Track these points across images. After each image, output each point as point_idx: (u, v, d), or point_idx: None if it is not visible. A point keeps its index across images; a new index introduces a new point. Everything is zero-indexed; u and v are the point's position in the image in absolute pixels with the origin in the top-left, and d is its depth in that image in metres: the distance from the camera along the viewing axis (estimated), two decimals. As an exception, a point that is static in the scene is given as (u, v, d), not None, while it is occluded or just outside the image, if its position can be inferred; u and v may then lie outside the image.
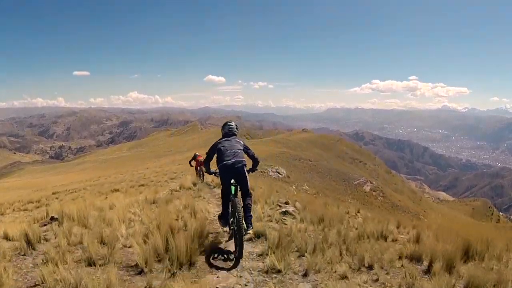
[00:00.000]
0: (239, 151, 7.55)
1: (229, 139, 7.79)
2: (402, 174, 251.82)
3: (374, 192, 63.55)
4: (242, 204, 7.21)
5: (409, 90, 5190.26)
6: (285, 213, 10.93)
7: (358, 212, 14.79)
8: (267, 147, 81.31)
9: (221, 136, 8.00)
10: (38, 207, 22.40)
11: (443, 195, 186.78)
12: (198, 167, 22.60)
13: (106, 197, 19.10)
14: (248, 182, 7.58)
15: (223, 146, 7.58)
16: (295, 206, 11.99)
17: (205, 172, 8.29)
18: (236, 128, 8.09)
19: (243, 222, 6.83)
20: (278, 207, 11.69)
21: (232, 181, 7.39)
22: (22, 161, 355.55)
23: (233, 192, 7.33)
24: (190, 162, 23.30)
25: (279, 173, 44.82)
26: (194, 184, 18.95)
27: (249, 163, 7.90)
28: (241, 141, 7.81)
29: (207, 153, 7.89)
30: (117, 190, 23.73)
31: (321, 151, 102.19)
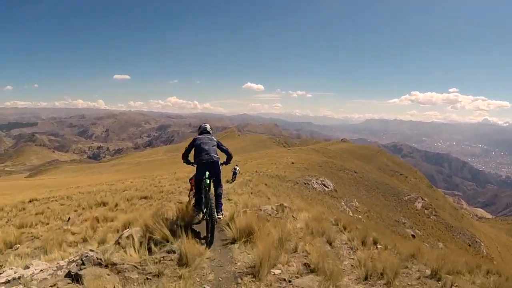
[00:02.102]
0: (213, 147, 8.46)
1: (204, 136, 8.77)
2: (440, 188, 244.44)
3: (426, 210, 58.77)
4: (214, 194, 8.23)
5: (449, 102, 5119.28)
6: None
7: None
8: (307, 155, 77.70)
9: (198, 135, 9.02)
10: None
11: (481, 212, 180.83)
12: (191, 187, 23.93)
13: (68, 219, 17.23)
14: (221, 174, 8.52)
15: (200, 143, 8.49)
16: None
17: (184, 162, 9.11)
18: (210, 128, 9.23)
19: (215, 210, 7.71)
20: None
21: (207, 174, 8.14)
22: (60, 160, 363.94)
23: (207, 184, 8.07)
24: (189, 180, 24.14)
25: (325, 185, 40.02)
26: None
27: (223, 157, 8.91)
28: (214, 139, 8.71)
29: (185, 148, 8.78)
30: (104, 204, 21.83)
31: (362, 162, 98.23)
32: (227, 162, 9.06)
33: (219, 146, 8.66)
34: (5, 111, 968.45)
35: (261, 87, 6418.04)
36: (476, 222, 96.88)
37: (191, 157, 8.92)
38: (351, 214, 32.00)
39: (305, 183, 37.95)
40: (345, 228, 9.74)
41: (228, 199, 19.58)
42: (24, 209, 22.65)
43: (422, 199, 62.48)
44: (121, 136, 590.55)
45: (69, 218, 16.66)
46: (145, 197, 22.84)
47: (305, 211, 11.33)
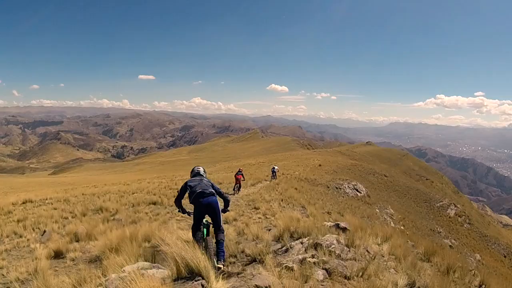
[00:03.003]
0: (211, 190, 7.57)
1: (199, 178, 7.92)
2: (464, 194, 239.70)
3: (459, 218, 56.42)
4: (214, 240, 7.29)
5: (474, 106, 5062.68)
6: None
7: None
8: (334, 157, 76.15)
9: (193, 175, 8.18)
10: None
11: (505, 219, 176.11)
12: (236, 181, 26.28)
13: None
14: (221, 219, 7.63)
15: (195, 185, 7.62)
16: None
17: (179, 210, 8.14)
18: (204, 171, 8.28)
19: (215, 259, 6.85)
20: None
21: (205, 220, 7.56)
22: (84, 158, 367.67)
23: (205, 232, 7.43)
24: (234, 175, 27.05)
25: (357, 190, 38.05)
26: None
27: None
28: (210, 181, 7.90)
29: (178, 191, 7.95)
30: (102, 211, 18.07)
31: (388, 166, 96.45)
32: (225, 210, 8.14)
33: (214, 188, 7.74)
34: (32, 109, 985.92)
35: (285, 88, 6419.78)
36: (503, 229, 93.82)
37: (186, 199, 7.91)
38: (393, 225, 30.22)
39: (336, 188, 36.13)
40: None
41: (255, 208, 18.58)
42: (10, 212, 18.65)
43: (455, 206, 60.03)
44: (145, 135, 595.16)
45: (44, 231, 13.48)
46: (154, 203, 20.13)
47: (374, 236, 9.28)
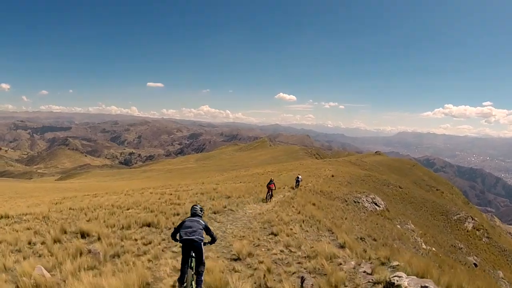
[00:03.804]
0: (199, 230, 9.05)
1: (193, 219, 9.41)
2: (473, 205, 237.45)
3: (477, 232, 54.55)
4: (194, 272, 8.74)
5: (483, 116, 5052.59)
6: None
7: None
8: (345, 168, 74.64)
9: (190, 215, 9.75)
10: None
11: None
12: (268, 190, 27.85)
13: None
14: (203, 254, 9.02)
15: (187, 225, 9.15)
16: None
17: (172, 240, 9.87)
18: (200, 210, 9.82)
19: (193, 286, 8.58)
20: None
21: (192, 255, 8.77)
22: (91, 164, 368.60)
23: (191, 264, 8.68)
24: (267, 185, 28.56)
25: (376, 204, 36.16)
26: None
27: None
28: (203, 222, 9.35)
29: (175, 228, 9.45)
30: (83, 236, 14.09)
31: (398, 176, 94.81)
32: (211, 242, 9.75)
33: (206, 230, 9.32)
34: (40, 114, 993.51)
35: (293, 97, 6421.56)
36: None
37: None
38: (424, 246, 28.58)
39: (355, 202, 34.36)
40: None
41: (273, 233, 15.59)
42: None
43: (473, 219, 58.04)
44: (153, 143, 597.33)
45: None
46: (149, 225, 16.33)
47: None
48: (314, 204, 25.36)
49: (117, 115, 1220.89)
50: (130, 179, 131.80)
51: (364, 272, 9.65)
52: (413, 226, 36.39)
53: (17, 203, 23.07)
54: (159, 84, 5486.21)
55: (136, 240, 13.78)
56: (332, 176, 54.67)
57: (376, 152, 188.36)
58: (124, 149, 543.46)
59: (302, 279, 9.44)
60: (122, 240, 13.64)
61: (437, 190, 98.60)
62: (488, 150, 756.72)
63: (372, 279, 8.85)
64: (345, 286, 8.85)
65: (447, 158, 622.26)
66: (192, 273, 8.65)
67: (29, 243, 12.85)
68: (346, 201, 33.61)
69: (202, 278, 9.00)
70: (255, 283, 9.43)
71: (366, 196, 37.51)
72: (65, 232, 14.38)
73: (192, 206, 9.87)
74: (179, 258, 9.92)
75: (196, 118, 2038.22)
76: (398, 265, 9.82)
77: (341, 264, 10.56)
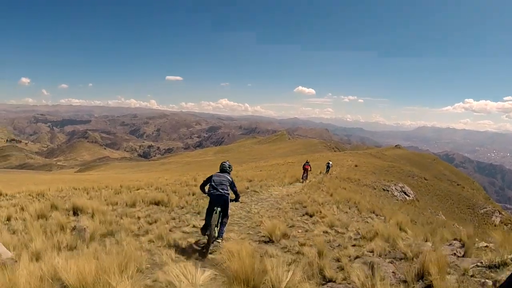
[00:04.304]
0: (226, 185, 9.54)
1: (221, 174, 9.85)
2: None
3: (505, 226, 53.37)
4: (219, 220, 9.46)
5: (503, 111, 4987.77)
6: None
7: None
8: (367, 159, 73.75)
9: (219, 171, 10.07)
10: None
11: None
12: (304, 171, 29.92)
13: None
14: (229, 208, 9.77)
15: (215, 179, 9.65)
16: None
17: (201, 192, 10.44)
18: (228, 167, 10.12)
19: (216, 233, 9.22)
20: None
21: (218, 209, 9.36)
22: (111, 157, 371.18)
23: (216, 215, 9.25)
24: (303, 166, 30.72)
25: (405, 193, 35.23)
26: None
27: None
28: (230, 178, 9.79)
29: (204, 180, 10.15)
30: (75, 213, 12.43)
31: (419, 170, 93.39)
32: (235, 199, 10.36)
33: (232, 186, 9.77)
34: (60, 108, 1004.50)
35: (312, 91, 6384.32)
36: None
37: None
38: None
39: (384, 189, 33.54)
40: None
41: (308, 214, 13.87)
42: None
43: (500, 213, 56.82)
44: (172, 136, 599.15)
45: None
46: (158, 203, 14.64)
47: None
48: (345, 189, 24.16)
49: (136, 108, 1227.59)
50: (148, 171, 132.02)
51: (454, 254, 7.55)
52: (443, 217, 35.51)
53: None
54: (178, 78, 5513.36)
55: (139, 218, 12.03)
56: (356, 166, 53.85)
57: (396, 145, 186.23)
58: (143, 142, 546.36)
59: (371, 265, 6.91)
60: (121, 218, 11.81)
61: (458, 185, 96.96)
62: (508, 146, 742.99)
63: (481, 262, 6.46)
64: (449, 273, 6.29)
65: (466, 153, 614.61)
66: (216, 223, 9.20)
67: (8, 219, 11.43)
68: (375, 188, 32.86)
69: (224, 229, 9.70)
70: (304, 272, 6.32)
71: (395, 184, 36.62)
72: (56, 209, 12.60)
73: (221, 163, 10.29)
74: (190, 239, 9.80)
75: (215, 111, 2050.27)
76: (487, 246, 7.95)
77: (411, 245, 8.29)
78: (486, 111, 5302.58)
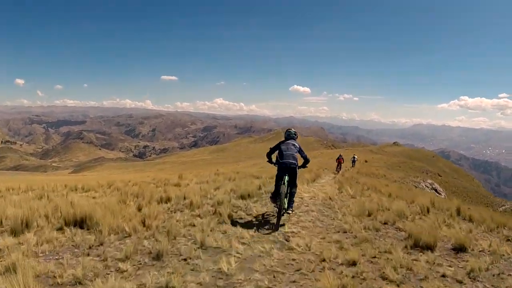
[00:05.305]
0: (294, 153, 9.39)
1: (288, 142, 9.66)
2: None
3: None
4: (288, 191, 9.11)
5: (498, 108, 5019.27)
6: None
7: None
8: (370, 155, 72.33)
9: (284, 139, 9.91)
10: None
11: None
12: (338, 164, 32.23)
13: None
14: (297, 177, 9.48)
15: (283, 147, 9.51)
16: None
17: (267, 161, 9.98)
18: (294, 134, 9.91)
19: (285, 204, 8.92)
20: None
21: (286, 177, 9.11)
22: (106, 157, 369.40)
23: (284, 183, 8.98)
24: (336, 159, 32.97)
25: (437, 191, 33.24)
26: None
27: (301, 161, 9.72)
28: (297, 144, 9.65)
29: (271, 148, 9.81)
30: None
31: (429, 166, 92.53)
32: (303, 166, 9.79)
33: (300, 152, 9.57)
34: (55, 109, 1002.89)
35: (307, 89, 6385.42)
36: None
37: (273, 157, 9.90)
38: None
39: (415, 186, 31.11)
40: None
41: (421, 246, 8.75)
42: None
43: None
44: (167, 136, 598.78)
45: None
46: (82, 222, 8.04)
47: None
48: (387, 185, 20.16)
49: (131, 108, 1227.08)
50: (143, 171, 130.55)
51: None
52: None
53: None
54: (173, 77, 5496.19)
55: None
56: (366, 161, 52.58)
57: (394, 142, 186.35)
58: (139, 142, 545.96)
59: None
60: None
61: (459, 182, 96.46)
62: (503, 143, 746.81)
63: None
64: None
65: (462, 151, 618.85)
66: (285, 194, 8.89)
67: None
68: (403, 183, 30.61)
69: (294, 199, 9.54)
70: None
71: (424, 181, 34.69)
72: None
73: (287, 130, 10.05)
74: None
75: (210, 110, 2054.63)
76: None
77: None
78: (481, 108, 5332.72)
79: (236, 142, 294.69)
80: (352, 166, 39.17)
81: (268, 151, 9.85)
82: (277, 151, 9.65)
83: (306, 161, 9.77)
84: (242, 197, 11.76)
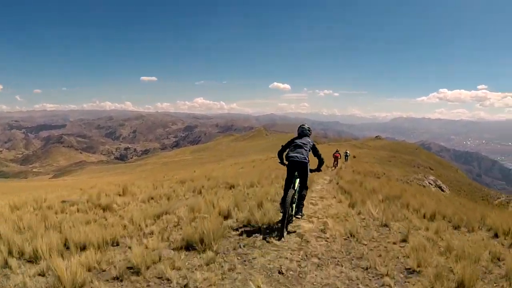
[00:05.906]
0: (306, 150, 8.39)
1: (301, 139, 8.73)
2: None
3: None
4: (296, 195, 8.19)
5: (477, 100, 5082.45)
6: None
7: None
8: (356, 150, 71.52)
9: (297, 135, 8.96)
10: None
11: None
12: (334, 159, 32.97)
13: None
14: (308, 177, 8.45)
15: (295, 144, 8.57)
16: None
17: (279, 162, 9.12)
18: (308, 130, 9.00)
19: (294, 209, 8.18)
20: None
21: (296, 175, 8.26)
22: (87, 161, 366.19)
23: (295, 186, 8.10)
24: (333, 154, 33.88)
25: (441, 188, 31.67)
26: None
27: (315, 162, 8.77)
28: (310, 141, 8.67)
29: (282, 146, 8.87)
30: None
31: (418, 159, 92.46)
32: (318, 168, 8.94)
33: (313, 151, 8.70)
34: (34, 113, 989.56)
35: (287, 86, 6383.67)
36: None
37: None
38: None
39: (419, 185, 29.36)
40: None
41: None
42: None
43: (515, 202, 54.97)
44: (148, 137, 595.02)
45: None
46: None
47: None
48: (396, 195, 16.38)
49: (112, 110, 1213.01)
50: (123, 173, 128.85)
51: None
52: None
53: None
54: (153, 78, 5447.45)
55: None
56: (354, 157, 51.73)
57: (376, 136, 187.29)
58: (120, 145, 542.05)
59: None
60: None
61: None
62: (483, 133, 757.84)
63: None
64: None
65: (442, 142, 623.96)
66: (294, 194, 8.03)
67: None
68: (411, 184, 29.08)
69: (304, 203, 8.71)
70: None
71: (426, 178, 33.39)
72: None
73: (300, 125, 9.18)
74: None
75: (191, 110, 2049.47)
76: None
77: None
78: (460, 100, 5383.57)
79: (217, 141, 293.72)
80: (345, 161, 40.52)
81: (279, 149, 8.96)
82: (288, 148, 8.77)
83: (320, 162, 8.92)
84: (187, 247, 6.74)
